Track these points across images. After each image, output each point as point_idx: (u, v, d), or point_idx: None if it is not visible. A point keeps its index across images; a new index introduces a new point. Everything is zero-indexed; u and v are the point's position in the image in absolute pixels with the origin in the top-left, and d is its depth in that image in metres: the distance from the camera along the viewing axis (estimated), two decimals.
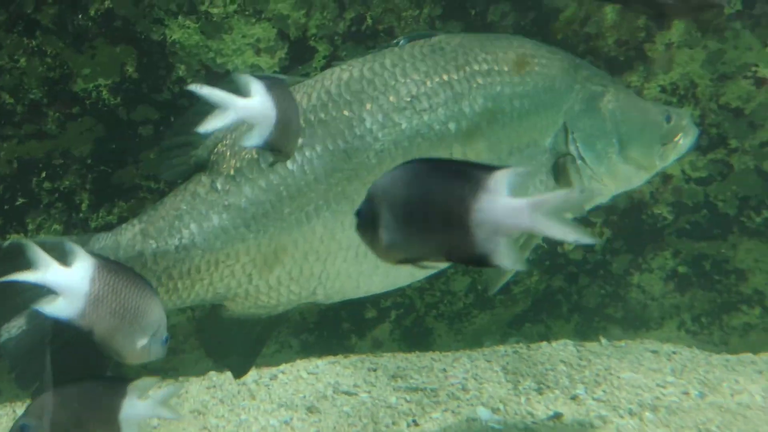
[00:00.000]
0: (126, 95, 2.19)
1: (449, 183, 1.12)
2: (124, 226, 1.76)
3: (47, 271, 1.37)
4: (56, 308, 1.38)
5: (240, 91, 1.40)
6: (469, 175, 1.11)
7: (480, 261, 1.11)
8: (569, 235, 1.10)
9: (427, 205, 1.13)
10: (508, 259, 1.10)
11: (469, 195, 1.10)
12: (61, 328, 1.62)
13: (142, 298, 1.44)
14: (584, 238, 1.12)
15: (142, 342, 1.45)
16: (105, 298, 1.39)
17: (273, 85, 1.42)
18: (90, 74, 2.17)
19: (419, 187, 1.15)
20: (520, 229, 1.10)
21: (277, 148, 1.44)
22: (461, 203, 1.10)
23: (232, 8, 2.16)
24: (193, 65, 2.19)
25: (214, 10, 2.16)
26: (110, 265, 1.42)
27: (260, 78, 1.41)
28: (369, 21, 2.25)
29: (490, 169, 1.11)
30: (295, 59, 2.24)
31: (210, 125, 1.37)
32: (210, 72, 2.18)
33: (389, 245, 1.17)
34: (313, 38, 2.23)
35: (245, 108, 1.39)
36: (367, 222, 1.19)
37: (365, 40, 2.25)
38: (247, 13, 2.18)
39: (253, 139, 1.41)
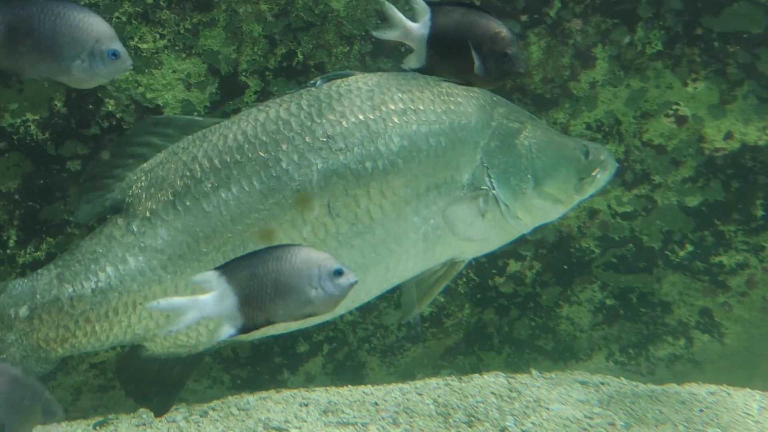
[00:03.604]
0: (54, 130, 2.06)
1: None
2: (40, 271, 1.67)
3: None
4: None
5: None
6: None
7: None
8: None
9: None
10: None
11: None
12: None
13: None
14: None
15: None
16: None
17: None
18: (17, 109, 2.03)
19: None
20: None
21: None
22: None
23: (162, 43, 2.06)
24: (123, 100, 2.07)
25: (144, 45, 2.05)
26: None
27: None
28: (300, 57, 2.16)
29: None
30: (226, 94, 2.13)
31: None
32: (139, 107, 2.06)
33: None
34: (244, 73, 2.14)
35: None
36: None
37: (296, 75, 2.16)
38: (177, 48, 2.08)
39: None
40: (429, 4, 1.56)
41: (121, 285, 1.61)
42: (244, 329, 1.37)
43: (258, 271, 1.35)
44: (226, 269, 1.37)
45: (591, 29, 2.25)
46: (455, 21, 1.55)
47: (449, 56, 1.55)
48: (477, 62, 1.55)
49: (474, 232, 1.69)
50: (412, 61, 1.59)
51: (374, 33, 1.64)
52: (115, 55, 1.34)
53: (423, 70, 1.60)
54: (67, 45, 1.29)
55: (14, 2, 1.31)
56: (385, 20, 1.59)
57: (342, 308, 1.70)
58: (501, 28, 1.53)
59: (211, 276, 1.36)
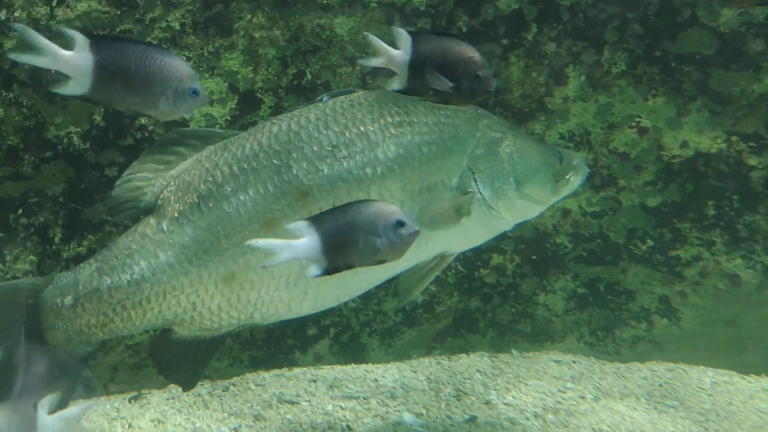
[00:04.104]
0: (94, 141, 2.06)
1: None
2: (82, 264, 1.67)
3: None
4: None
5: None
6: None
7: None
8: None
9: None
10: None
11: None
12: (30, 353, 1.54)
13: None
14: None
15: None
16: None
17: None
18: (62, 122, 2.04)
19: None
20: None
21: None
22: None
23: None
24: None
25: None
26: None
27: None
28: (308, 76, 2.17)
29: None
30: (244, 109, 2.14)
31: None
32: (168, 120, 2.03)
33: None
34: (259, 91, 2.14)
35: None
36: None
37: (305, 92, 2.17)
38: (201, 68, 2.09)
39: None
40: (409, 32, 1.55)
41: (153, 277, 1.61)
42: (328, 271, 1.39)
43: (339, 222, 1.38)
44: (314, 220, 1.40)
45: (564, 51, 2.27)
46: (433, 47, 1.54)
47: (427, 78, 1.54)
48: (448, 84, 1.53)
49: (447, 223, 1.69)
50: (395, 84, 1.58)
51: (360, 61, 1.63)
52: (195, 93, 1.35)
53: (405, 92, 1.59)
54: (156, 84, 1.30)
55: (109, 43, 1.33)
56: (369, 49, 1.58)
57: (347, 296, 1.72)
58: (473, 53, 1.52)
59: (301, 225, 1.40)
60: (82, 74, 1.31)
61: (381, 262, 1.42)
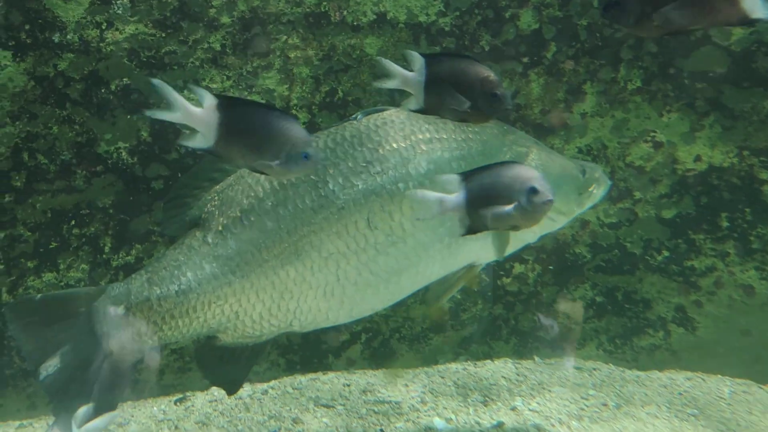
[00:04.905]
0: (141, 155, 2.06)
1: None
2: (133, 275, 1.68)
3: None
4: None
5: None
6: None
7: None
8: None
9: None
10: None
11: None
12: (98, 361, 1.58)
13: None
14: None
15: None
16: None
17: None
18: (111, 138, 2.05)
19: None
20: None
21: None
22: None
23: (228, 84, 2.08)
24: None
25: (213, 85, 2.08)
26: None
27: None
28: (340, 94, 2.17)
29: None
30: None
31: None
32: None
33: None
34: (294, 108, 2.15)
35: None
36: None
37: (337, 109, 2.17)
38: (240, 87, 2.09)
39: None
40: (422, 55, 1.52)
41: (199, 287, 1.61)
42: (470, 230, 1.32)
43: (484, 182, 1.31)
44: (466, 176, 1.33)
45: (581, 69, 2.26)
46: (448, 67, 1.51)
47: (444, 98, 1.51)
48: (465, 103, 1.49)
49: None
50: (412, 104, 1.54)
51: (375, 83, 1.60)
52: (306, 157, 1.35)
53: (421, 111, 1.55)
54: (272, 145, 1.31)
55: (234, 104, 1.35)
56: (383, 73, 1.54)
57: (381, 305, 1.70)
58: (489, 72, 1.50)
59: (454, 178, 1.34)
60: (208, 130, 1.34)
61: (514, 228, 1.33)
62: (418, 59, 1.53)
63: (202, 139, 1.34)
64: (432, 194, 1.38)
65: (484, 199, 1.31)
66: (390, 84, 1.54)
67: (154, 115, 1.37)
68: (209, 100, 1.34)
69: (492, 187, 1.31)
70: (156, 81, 1.35)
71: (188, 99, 1.35)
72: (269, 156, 1.32)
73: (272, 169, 1.33)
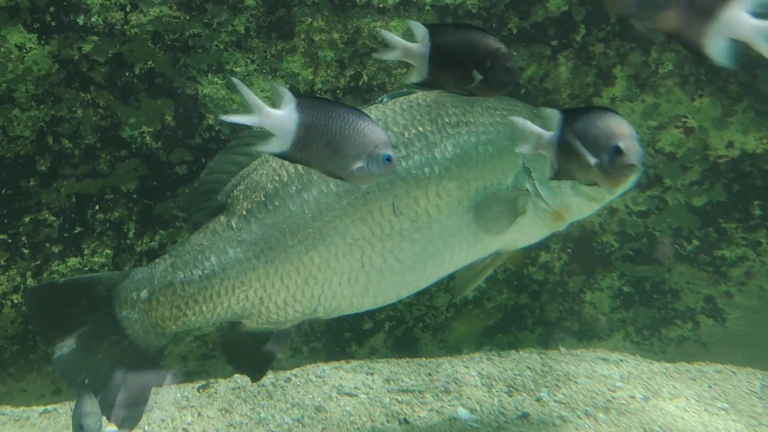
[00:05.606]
0: (165, 140, 2.04)
1: None
2: (157, 260, 1.67)
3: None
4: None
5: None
6: None
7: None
8: None
9: None
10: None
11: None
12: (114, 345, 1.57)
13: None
14: None
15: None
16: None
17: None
18: (135, 123, 2.03)
19: None
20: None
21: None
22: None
23: (252, 68, 2.05)
24: (221, 115, 2.04)
25: (238, 69, 2.04)
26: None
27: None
28: (365, 77, 2.13)
29: None
30: None
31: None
32: None
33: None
34: (319, 92, 2.12)
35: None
36: None
37: (362, 93, 2.13)
38: (264, 71, 2.06)
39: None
40: (426, 25, 1.46)
41: (223, 272, 1.60)
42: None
43: (578, 127, 1.20)
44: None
45: (611, 52, 2.21)
46: (453, 39, 1.46)
47: (450, 71, 1.45)
48: (477, 77, 1.43)
49: (499, 226, 1.63)
50: (414, 76, 1.47)
51: (374, 55, 1.54)
52: (388, 159, 1.29)
53: (425, 84, 1.50)
54: (353, 148, 1.25)
55: (314, 104, 1.28)
56: (384, 45, 1.48)
57: (406, 292, 1.68)
58: (499, 44, 1.43)
59: (555, 115, 1.24)
60: (285, 133, 1.27)
61: (594, 183, 1.24)
62: (421, 30, 1.46)
63: (277, 142, 1.26)
64: (533, 127, 1.29)
65: (574, 148, 1.21)
66: (391, 56, 1.48)
67: (228, 119, 1.29)
68: (288, 100, 1.27)
69: (584, 134, 1.21)
70: (236, 80, 1.29)
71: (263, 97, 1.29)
72: (349, 159, 1.25)
73: (352, 172, 1.26)
